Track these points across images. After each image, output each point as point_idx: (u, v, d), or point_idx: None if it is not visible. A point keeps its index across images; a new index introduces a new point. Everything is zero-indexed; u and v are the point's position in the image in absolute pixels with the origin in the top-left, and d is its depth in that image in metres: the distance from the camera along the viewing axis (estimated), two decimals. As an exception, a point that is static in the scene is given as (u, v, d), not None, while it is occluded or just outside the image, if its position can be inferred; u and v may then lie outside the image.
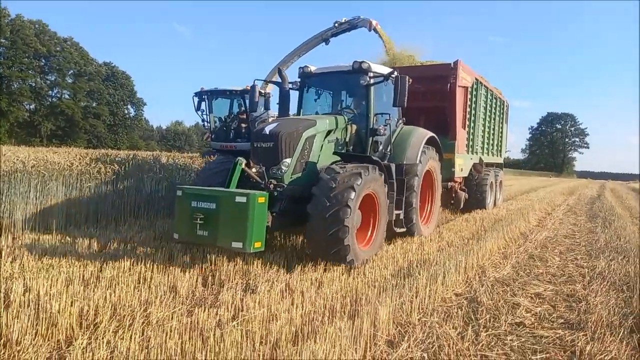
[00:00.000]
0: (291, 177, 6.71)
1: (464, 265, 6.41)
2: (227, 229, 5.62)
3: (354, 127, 7.93)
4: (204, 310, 4.34)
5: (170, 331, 3.85)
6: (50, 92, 62.20)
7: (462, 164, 11.67)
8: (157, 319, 4.16)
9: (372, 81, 7.86)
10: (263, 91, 12.72)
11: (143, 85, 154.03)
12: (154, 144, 76.57)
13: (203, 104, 13.72)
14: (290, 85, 8.65)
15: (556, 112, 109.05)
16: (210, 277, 5.64)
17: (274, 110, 9.99)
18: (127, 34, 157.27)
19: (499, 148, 15.54)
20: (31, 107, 59.54)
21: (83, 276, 5.32)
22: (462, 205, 12.50)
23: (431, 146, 9.23)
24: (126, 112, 71.39)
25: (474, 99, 12.03)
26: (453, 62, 10.85)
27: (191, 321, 4.12)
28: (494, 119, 14.41)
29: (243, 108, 13.47)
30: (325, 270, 6.11)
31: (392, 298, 4.87)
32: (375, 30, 14.59)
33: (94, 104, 65.20)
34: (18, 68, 55.68)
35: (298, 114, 8.58)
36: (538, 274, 6.56)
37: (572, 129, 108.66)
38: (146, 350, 3.46)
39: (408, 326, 4.35)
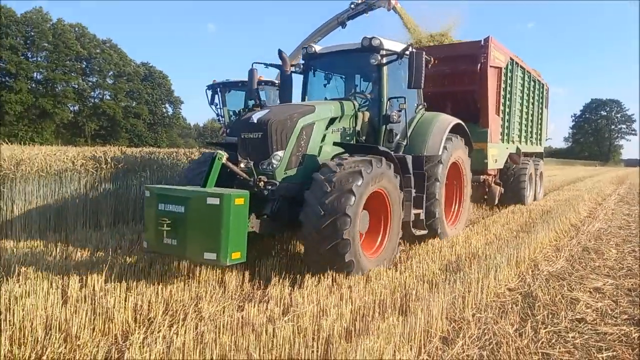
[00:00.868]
0: (285, 173, 5.80)
1: (515, 259, 6.19)
2: (198, 237, 4.72)
3: (367, 114, 6.98)
4: (254, 306, 4.34)
5: (223, 326, 3.86)
6: (93, 93, 64.29)
7: (496, 155, 10.54)
8: (209, 314, 4.19)
9: (384, 60, 6.87)
10: (277, 81, 11.45)
11: (179, 84, 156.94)
12: (192, 141, 78.01)
13: (216, 97, 12.83)
14: (293, 69, 7.69)
15: (601, 98, 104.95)
16: (256, 272, 5.65)
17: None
18: (161, 34, 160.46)
19: (539, 136, 14.18)
20: (75, 108, 61.69)
21: (134, 271, 5.42)
22: (496, 201, 11.29)
23: (458, 135, 8.16)
24: (164, 110, 72.97)
25: (508, 82, 10.81)
26: (483, 39, 9.65)
27: (242, 316, 4.12)
28: (533, 104, 13.09)
29: (259, 100, 12.76)
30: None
31: (443, 293, 4.74)
32: (395, 10, 13.19)
33: (133, 104, 66.91)
34: (61, 71, 57.71)
35: (303, 100, 7.67)
36: (595, 267, 6.27)
37: (618, 115, 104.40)
38: (201, 345, 3.47)
39: (462, 322, 4.21)
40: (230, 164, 5.42)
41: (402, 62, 6.93)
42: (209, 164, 5.40)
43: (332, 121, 6.41)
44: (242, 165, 5.63)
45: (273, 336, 3.66)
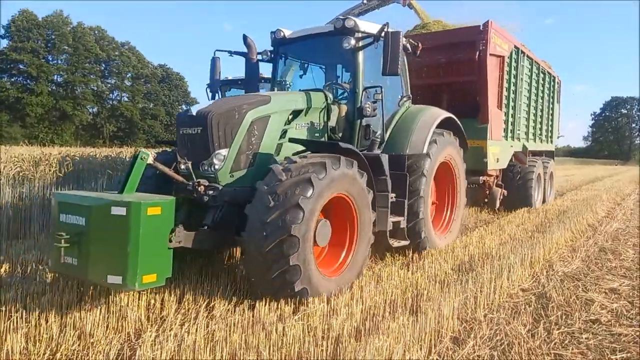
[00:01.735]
0: (231, 175, 4.96)
1: (530, 259, 6.13)
2: (101, 255, 3.85)
3: (345, 108, 6.16)
4: (265, 304, 4.36)
5: (234, 325, 3.89)
6: (111, 95, 65.33)
7: (498, 153, 9.51)
8: (220, 313, 4.23)
9: (360, 44, 6.03)
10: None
11: (195, 84, 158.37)
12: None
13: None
14: (259, 57, 6.89)
15: (621, 96, 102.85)
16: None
17: None
18: (177, 34, 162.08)
19: (549, 133, 13.02)
20: (94, 110, 62.73)
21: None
22: (497, 205, 10.26)
23: (450, 132, 7.23)
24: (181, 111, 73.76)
25: (513, 72, 9.76)
26: (482, 24, 8.57)
27: (253, 315, 4.16)
28: (542, 98, 11.97)
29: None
30: (384, 265, 6.00)
31: (455, 293, 4.71)
32: (410, 5, 12.00)
33: (151, 105, 67.79)
34: (81, 73, 58.75)
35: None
36: (611, 268, 6.16)
37: (639, 113, 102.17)
38: (211, 343, 3.51)
39: (474, 323, 4.19)
40: (159, 165, 4.62)
41: (379, 47, 5.94)
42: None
43: (296, 115, 5.63)
44: (182, 166, 4.89)
45: (283, 335, 3.68)
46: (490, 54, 8.65)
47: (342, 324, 3.94)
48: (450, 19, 11.37)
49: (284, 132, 5.47)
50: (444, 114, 7.09)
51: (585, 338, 3.95)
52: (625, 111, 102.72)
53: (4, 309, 4.04)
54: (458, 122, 7.44)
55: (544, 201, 12.28)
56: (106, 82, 64.05)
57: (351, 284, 5.02)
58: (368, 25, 6.17)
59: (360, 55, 6.09)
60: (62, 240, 3.88)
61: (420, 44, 7.00)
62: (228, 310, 4.33)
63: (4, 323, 3.73)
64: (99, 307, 4.13)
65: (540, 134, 12.34)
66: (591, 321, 4.33)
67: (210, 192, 4.80)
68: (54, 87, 57.51)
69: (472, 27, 8.91)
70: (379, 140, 6.27)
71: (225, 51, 6.95)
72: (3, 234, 7.44)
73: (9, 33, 54.00)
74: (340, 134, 6.14)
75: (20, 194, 8.08)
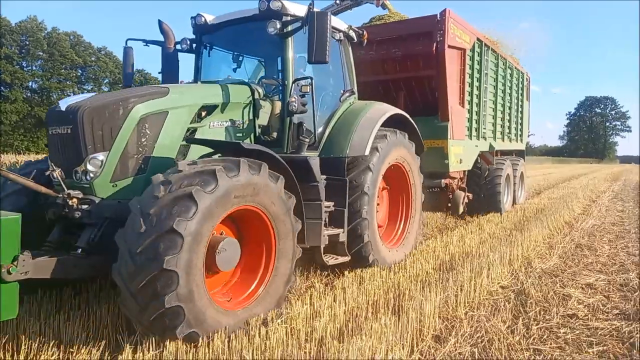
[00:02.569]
0: (114, 185, 4.08)
1: (509, 257, 6.24)
2: None
3: (278, 104, 5.44)
4: (248, 309, 4.35)
5: (217, 330, 3.87)
6: (88, 101, 64.38)
7: (461, 154, 8.77)
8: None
9: (289, 28, 5.23)
10: None
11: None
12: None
13: None
14: (178, 46, 6.12)
15: (595, 96, 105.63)
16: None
17: None
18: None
19: (519, 132, 12.45)
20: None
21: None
22: (461, 210, 9.36)
23: (402, 131, 6.43)
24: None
25: (476, 67, 9.09)
26: (439, 13, 7.88)
27: (236, 320, 4.13)
28: (510, 95, 11.36)
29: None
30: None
31: (436, 292, 4.76)
32: (384, 6, 11.29)
33: (129, 111, 67.02)
34: (56, 79, 57.74)
35: None
36: (587, 264, 6.32)
37: (613, 112, 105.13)
38: (194, 349, 3.49)
39: (455, 321, 4.25)
40: (9, 174, 3.74)
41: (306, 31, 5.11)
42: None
43: (210, 111, 4.86)
44: (54, 174, 4.00)
45: (266, 338, 3.67)
46: (449, 46, 7.91)
47: (325, 326, 3.95)
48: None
49: (192, 132, 4.68)
50: (392, 110, 6.32)
51: (563, 332, 4.05)
52: (599, 110, 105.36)
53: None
54: (410, 119, 6.71)
55: (514, 203, 11.81)
56: (83, 88, 63.03)
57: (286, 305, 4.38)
58: (297, 7, 5.36)
59: (289, 42, 5.33)
60: None
61: (366, 32, 6.42)
62: (210, 315, 4.30)
63: (-20, 335, 3.64)
64: (78, 316, 4.06)
65: (509, 133, 11.79)
66: (568, 316, 4.43)
67: (84, 206, 3.92)
68: (29, 94, 56.38)
69: (428, 16, 8.11)
70: (307, 140, 5.34)
71: (138, 40, 6.13)
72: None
73: (-19, 39, 52.92)
74: (275, 134, 5.40)
75: None
